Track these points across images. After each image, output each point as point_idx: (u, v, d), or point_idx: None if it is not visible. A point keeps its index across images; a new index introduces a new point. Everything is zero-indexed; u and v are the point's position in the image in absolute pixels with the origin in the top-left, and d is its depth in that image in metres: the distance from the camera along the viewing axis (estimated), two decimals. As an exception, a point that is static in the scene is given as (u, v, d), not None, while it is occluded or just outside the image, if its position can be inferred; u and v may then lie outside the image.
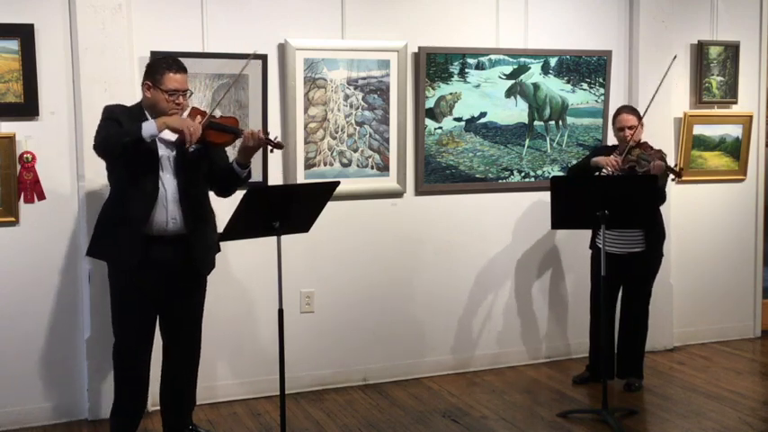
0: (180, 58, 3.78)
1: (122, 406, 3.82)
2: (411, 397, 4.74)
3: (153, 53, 4.26)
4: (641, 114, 4.66)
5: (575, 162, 5.08)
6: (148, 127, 3.50)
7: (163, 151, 3.67)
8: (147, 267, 3.66)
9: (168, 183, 3.67)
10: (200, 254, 3.78)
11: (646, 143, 4.67)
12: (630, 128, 4.62)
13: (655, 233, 4.69)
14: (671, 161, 5.49)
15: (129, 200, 3.63)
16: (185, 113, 3.72)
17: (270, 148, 3.78)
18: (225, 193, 3.94)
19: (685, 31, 5.58)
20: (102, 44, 4.19)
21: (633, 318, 4.83)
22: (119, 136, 3.52)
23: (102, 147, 3.58)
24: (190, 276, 3.81)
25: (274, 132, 4.52)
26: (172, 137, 3.66)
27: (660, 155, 4.54)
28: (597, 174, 4.64)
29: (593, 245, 4.88)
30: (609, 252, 4.62)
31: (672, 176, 4.49)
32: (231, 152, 4.00)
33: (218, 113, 4.11)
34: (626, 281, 4.80)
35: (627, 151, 4.59)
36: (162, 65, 3.68)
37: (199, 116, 3.70)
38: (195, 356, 4.00)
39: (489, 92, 5.07)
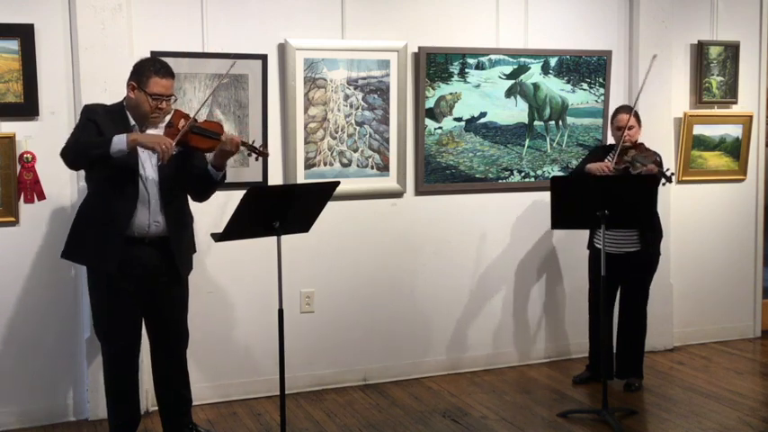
0: (180, 59, 3.77)
1: (119, 408, 3.80)
2: (411, 397, 4.74)
3: (153, 53, 4.26)
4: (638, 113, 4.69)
5: (575, 163, 5.08)
6: (118, 143, 3.42)
7: (143, 154, 3.63)
8: (129, 269, 3.63)
9: (151, 185, 3.64)
10: (180, 256, 3.76)
11: (642, 144, 4.68)
12: (629, 128, 4.62)
13: (651, 232, 4.69)
14: (670, 163, 5.51)
15: (111, 202, 3.59)
16: (168, 117, 3.68)
17: (255, 156, 3.76)
18: (201, 197, 3.90)
19: (685, 31, 5.58)
20: (102, 44, 4.19)
21: (631, 317, 4.83)
22: (86, 148, 3.46)
23: (67, 156, 3.52)
24: (171, 278, 3.78)
25: (269, 137, 4.55)
26: None
27: (655, 158, 4.55)
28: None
29: (590, 245, 4.88)
30: (607, 252, 4.63)
31: (663, 181, 4.45)
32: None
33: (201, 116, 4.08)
34: (624, 280, 4.80)
35: (622, 152, 4.61)
36: (150, 67, 3.63)
37: (182, 120, 3.66)
38: (183, 355, 3.96)
39: (489, 92, 5.07)
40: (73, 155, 3.52)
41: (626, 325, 4.86)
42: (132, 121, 3.66)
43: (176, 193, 3.74)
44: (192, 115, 3.71)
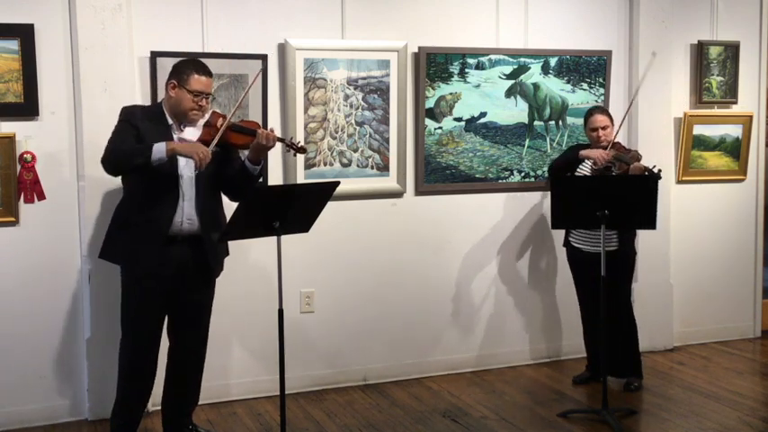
0: (180, 59, 3.80)
1: (126, 405, 3.82)
2: (411, 397, 4.74)
3: (153, 53, 4.27)
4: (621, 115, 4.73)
5: (558, 158, 5.04)
6: (157, 152, 3.50)
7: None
8: (161, 268, 3.67)
9: (186, 185, 3.68)
10: (212, 255, 3.80)
11: (619, 143, 4.69)
12: (604, 128, 4.64)
13: (627, 231, 4.69)
14: (670, 163, 5.52)
15: (148, 203, 3.64)
16: (207, 116, 3.76)
17: (293, 152, 3.81)
18: (238, 196, 3.91)
19: (685, 31, 5.58)
20: (102, 44, 4.19)
21: (617, 317, 4.76)
22: (127, 156, 3.54)
23: (108, 162, 3.59)
24: (200, 277, 3.82)
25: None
26: (193, 138, 3.70)
27: (637, 156, 4.55)
28: (583, 171, 4.70)
29: (566, 243, 4.87)
30: (585, 251, 4.71)
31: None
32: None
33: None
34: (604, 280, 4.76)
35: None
36: (190, 66, 3.71)
37: (220, 119, 3.75)
38: (201, 357, 4.01)
39: (489, 92, 5.08)
40: (115, 163, 3.59)
41: (613, 324, 4.80)
42: (170, 121, 3.71)
43: (211, 193, 3.78)
44: (228, 116, 3.80)
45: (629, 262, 4.80)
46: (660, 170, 4.39)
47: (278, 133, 4.56)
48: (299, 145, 3.82)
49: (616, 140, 4.71)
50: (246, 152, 3.79)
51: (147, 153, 3.50)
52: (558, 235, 5.30)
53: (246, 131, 3.78)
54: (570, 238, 4.82)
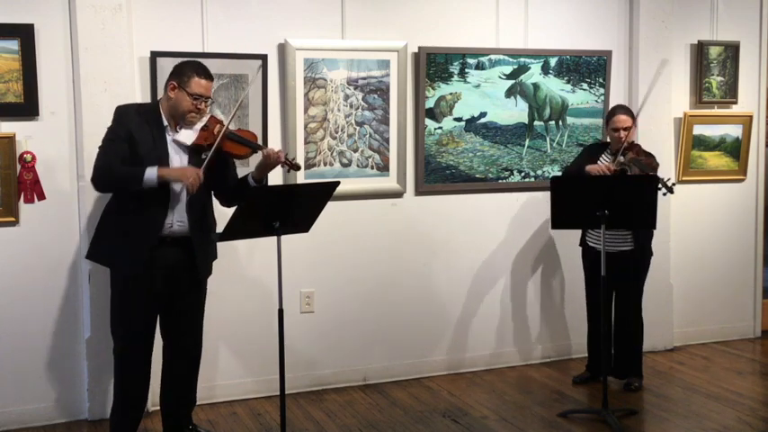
0: (180, 59, 3.80)
1: (123, 407, 3.82)
2: (411, 397, 4.74)
3: (153, 53, 4.27)
4: (635, 116, 4.68)
5: (571, 162, 5.05)
6: (148, 180, 3.52)
7: (176, 155, 3.69)
8: (150, 268, 3.66)
9: (177, 186, 3.67)
10: (200, 257, 3.79)
11: (638, 146, 4.67)
12: (625, 129, 4.61)
13: (643, 231, 4.68)
14: (670, 163, 5.51)
15: (139, 204, 3.62)
16: (204, 120, 3.75)
17: (287, 168, 3.83)
18: (230, 203, 3.93)
19: (685, 31, 5.58)
20: (102, 44, 4.19)
21: (628, 317, 4.80)
22: (119, 181, 3.58)
23: (98, 184, 3.64)
24: (191, 278, 3.81)
25: (269, 138, 4.57)
26: (187, 141, 3.68)
27: (653, 165, 4.52)
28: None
29: (582, 242, 4.87)
30: (599, 250, 4.66)
31: (663, 191, 4.37)
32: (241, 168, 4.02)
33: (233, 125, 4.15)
34: (618, 279, 4.77)
35: (620, 152, 4.59)
36: (191, 68, 3.70)
37: (218, 125, 3.74)
38: (196, 357, 4.01)
39: (489, 92, 5.08)
40: (105, 184, 3.65)
41: (623, 325, 4.84)
42: (165, 122, 3.71)
43: (202, 196, 3.76)
44: (225, 122, 3.78)
45: (644, 262, 4.79)
46: (674, 184, 4.36)
47: (277, 139, 4.59)
48: (294, 161, 3.85)
49: (636, 142, 4.69)
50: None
51: (138, 179, 3.53)
52: (558, 235, 5.31)
53: (244, 143, 3.77)
54: (587, 238, 4.82)
